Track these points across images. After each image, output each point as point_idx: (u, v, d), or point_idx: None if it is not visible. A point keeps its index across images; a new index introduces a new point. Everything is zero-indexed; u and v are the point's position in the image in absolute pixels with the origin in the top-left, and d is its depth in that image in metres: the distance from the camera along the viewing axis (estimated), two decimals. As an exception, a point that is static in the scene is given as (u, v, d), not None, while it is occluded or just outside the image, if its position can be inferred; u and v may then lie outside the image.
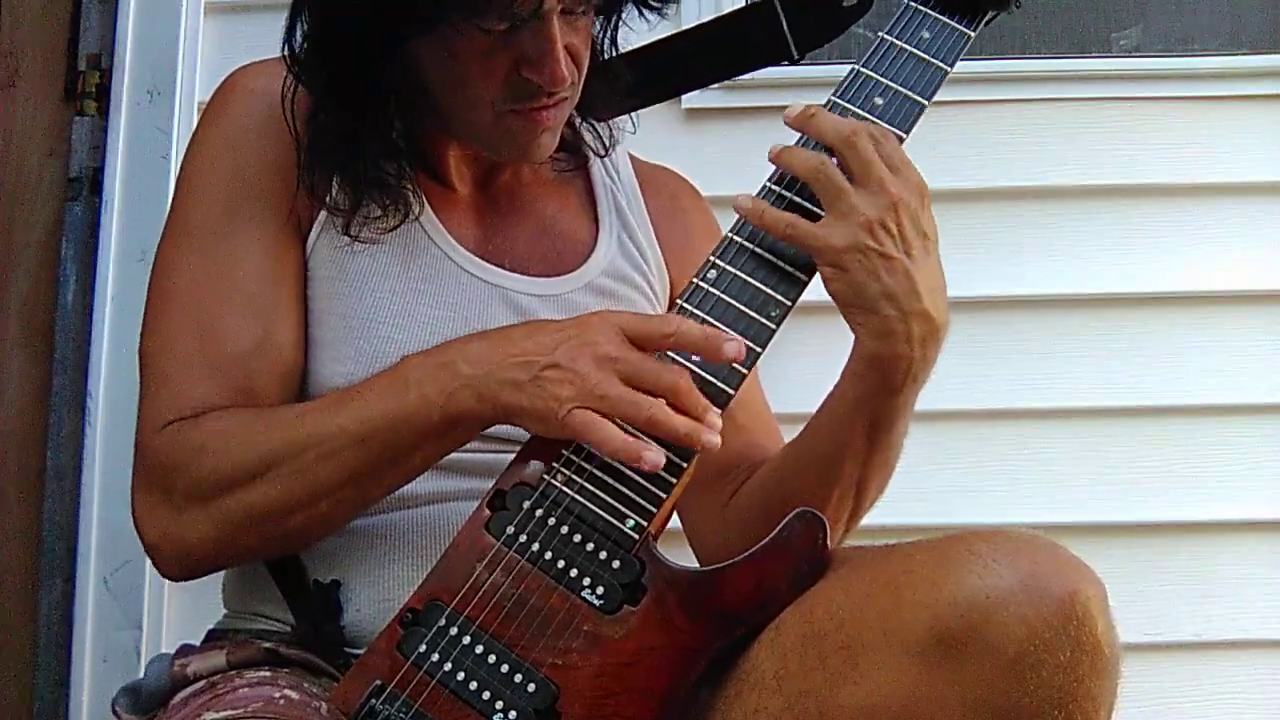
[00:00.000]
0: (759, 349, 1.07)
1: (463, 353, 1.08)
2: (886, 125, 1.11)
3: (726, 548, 1.06)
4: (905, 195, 1.06)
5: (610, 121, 1.36)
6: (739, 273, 1.09)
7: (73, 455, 1.83)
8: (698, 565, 1.04)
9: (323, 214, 1.20)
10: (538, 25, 1.12)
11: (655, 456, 1.01)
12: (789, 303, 1.08)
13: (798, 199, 1.10)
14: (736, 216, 1.11)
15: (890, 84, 1.12)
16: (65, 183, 1.88)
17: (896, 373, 1.09)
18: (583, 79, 1.20)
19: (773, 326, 1.08)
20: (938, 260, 1.10)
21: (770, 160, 1.11)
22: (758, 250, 1.10)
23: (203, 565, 1.16)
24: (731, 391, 1.06)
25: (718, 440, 1.03)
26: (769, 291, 1.08)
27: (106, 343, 1.83)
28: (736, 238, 1.11)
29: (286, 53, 1.19)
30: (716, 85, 1.57)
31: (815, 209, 1.08)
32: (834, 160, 1.08)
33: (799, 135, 1.12)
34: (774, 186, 1.11)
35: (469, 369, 1.06)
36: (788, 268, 1.09)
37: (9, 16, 1.89)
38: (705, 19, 1.46)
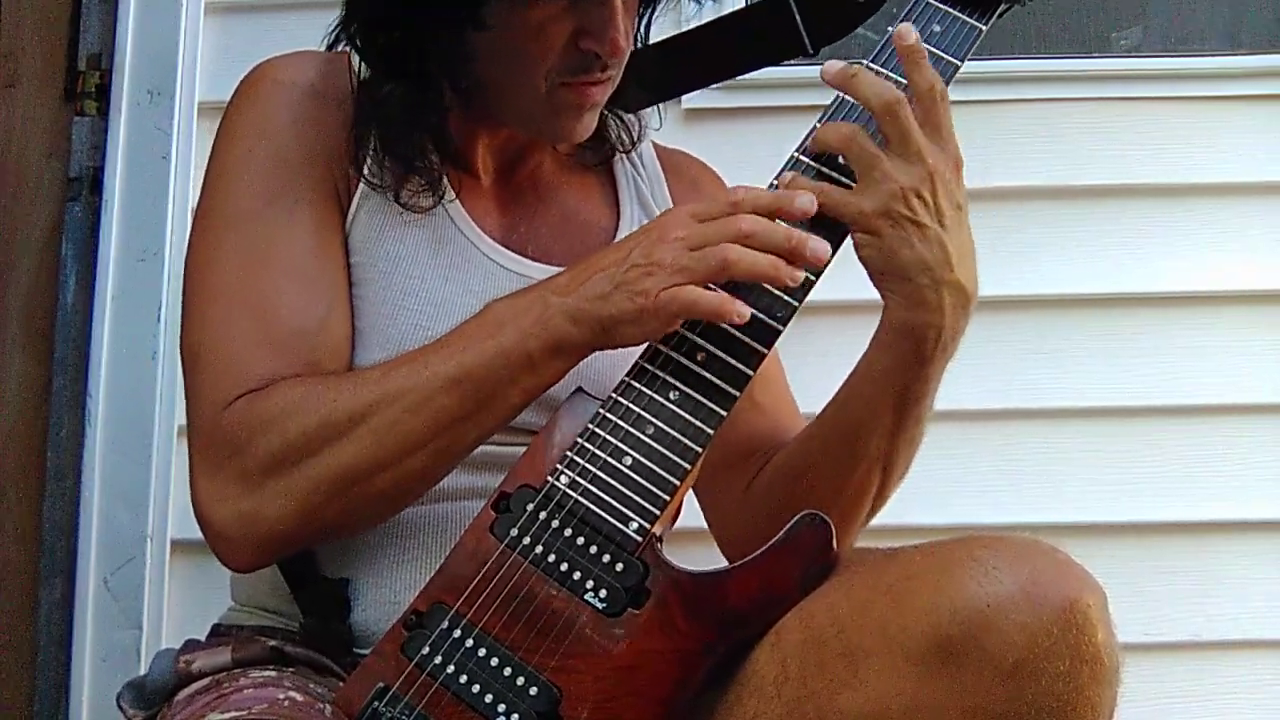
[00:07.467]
0: (779, 326, 1.06)
1: (549, 285, 1.09)
2: None
3: (751, 530, 1.05)
4: (941, 166, 1.06)
5: (638, 116, 1.36)
6: None
7: (73, 455, 1.83)
8: (704, 567, 1.04)
9: (355, 200, 1.20)
10: None
11: (742, 308, 1.02)
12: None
13: (831, 171, 1.09)
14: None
15: (899, 79, 1.09)
16: (65, 183, 1.87)
17: (927, 341, 1.09)
18: (626, 61, 1.21)
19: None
20: (969, 230, 1.10)
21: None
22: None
23: (278, 546, 1.11)
24: (780, 328, 1.06)
25: (800, 274, 1.04)
26: None
27: (106, 343, 1.83)
28: None
29: (342, 16, 1.19)
30: (718, 85, 1.56)
31: (850, 181, 1.08)
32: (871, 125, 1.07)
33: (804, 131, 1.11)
34: (804, 158, 1.11)
35: (558, 297, 1.07)
36: (822, 233, 1.08)
37: (9, 17, 1.88)
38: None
